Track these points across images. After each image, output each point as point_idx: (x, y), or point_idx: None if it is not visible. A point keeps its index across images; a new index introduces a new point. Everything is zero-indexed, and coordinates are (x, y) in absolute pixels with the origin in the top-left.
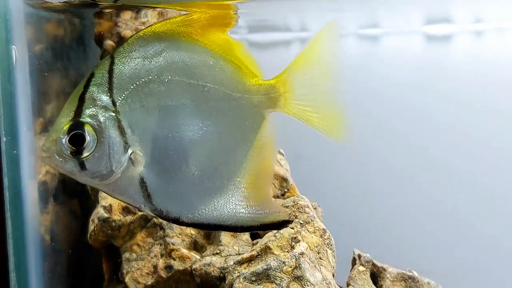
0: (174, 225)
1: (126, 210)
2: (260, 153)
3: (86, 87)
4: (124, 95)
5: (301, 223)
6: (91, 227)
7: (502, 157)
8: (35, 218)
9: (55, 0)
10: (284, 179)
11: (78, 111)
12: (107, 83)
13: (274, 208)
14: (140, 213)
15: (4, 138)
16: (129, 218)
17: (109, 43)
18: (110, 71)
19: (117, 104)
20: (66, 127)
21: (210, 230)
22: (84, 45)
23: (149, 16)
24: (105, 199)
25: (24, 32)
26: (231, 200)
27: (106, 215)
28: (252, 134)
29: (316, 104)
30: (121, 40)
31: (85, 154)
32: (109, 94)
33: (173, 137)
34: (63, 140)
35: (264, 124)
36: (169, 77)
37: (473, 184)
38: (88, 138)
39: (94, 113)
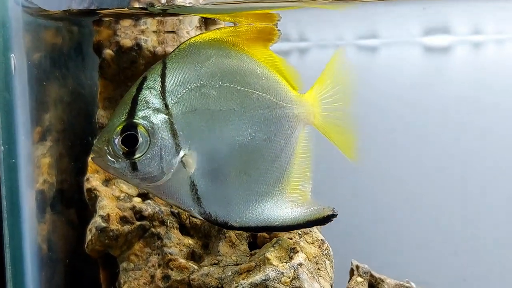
0: (172, 235)
1: (123, 220)
2: (301, 160)
3: (139, 90)
4: (176, 99)
5: (299, 234)
6: (88, 236)
7: (502, 167)
8: (33, 227)
9: (54, 8)
10: None
11: (131, 113)
12: (159, 86)
13: (318, 206)
14: (138, 223)
15: (2, 147)
16: (126, 227)
17: (108, 52)
18: (163, 76)
19: (170, 107)
20: (119, 128)
21: (257, 232)
22: (83, 53)
23: (149, 24)
24: (102, 209)
25: (22, 40)
26: (277, 204)
27: (103, 224)
28: (294, 142)
29: (338, 123)
30: (120, 49)
31: (138, 155)
32: (161, 97)
33: (223, 142)
34: (116, 141)
35: (302, 133)
36: (220, 83)
37: (472, 196)
38: (141, 139)
39: (147, 115)
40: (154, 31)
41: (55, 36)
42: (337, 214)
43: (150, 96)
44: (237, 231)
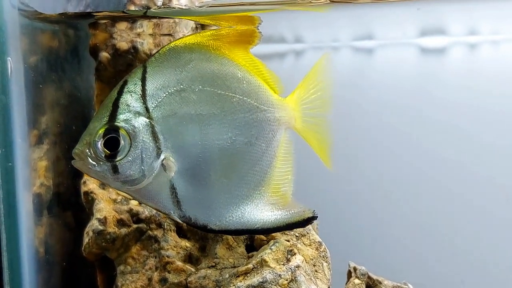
0: (169, 238)
1: (120, 223)
2: (282, 163)
3: (120, 93)
4: (157, 103)
5: (296, 236)
6: (86, 239)
7: (497, 169)
8: (30, 230)
9: (50, 11)
10: None
11: (113, 116)
12: (140, 90)
13: (298, 208)
14: (134, 226)
15: None
16: (124, 230)
17: (104, 55)
18: (143, 79)
19: (150, 110)
20: (101, 131)
21: (237, 235)
22: (79, 56)
23: (145, 27)
24: (99, 212)
25: (19, 44)
26: (257, 207)
27: (100, 227)
28: (275, 145)
29: (317, 128)
30: (116, 52)
31: (119, 158)
32: (142, 101)
33: (204, 145)
34: (98, 144)
35: (284, 136)
36: (200, 87)
37: (470, 198)
38: (122, 142)
39: (128, 118)
40: (150, 34)
41: (51, 39)
42: (317, 216)
43: (131, 99)
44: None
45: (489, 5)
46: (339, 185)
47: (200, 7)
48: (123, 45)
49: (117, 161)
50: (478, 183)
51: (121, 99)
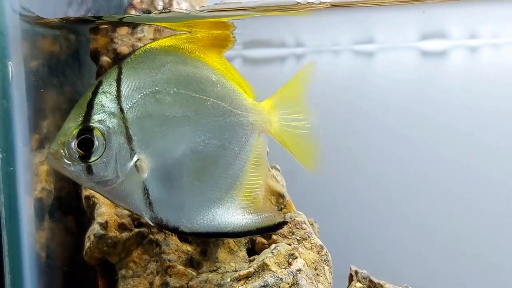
0: (171, 242)
1: (122, 227)
2: (254, 168)
3: (95, 94)
4: (131, 104)
5: (298, 240)
6: (87, 244)
7: (499, 172)
8: (31, 235)
9: (51, 16)
10: (280, 195)
11: (87, 117)
12: (115, 91)
13: (269, 213)
14: (136, 230)
15: (0, 155)
16: (125, 234)
17: (105, 59)
18: (118, 80)
19: (125, 111)
20: (75, 131)
21: (208, 238)
22: (80, 61)
23: (146, 32)
24: (101, 216)
25: (20, 48)
26: (228, 210)
27: (102, 231)
28: (248, 149)
29: (295, 133)
30: (117, 57)
31: (93, 158)
32: (117, 101)
33: (177, 148)
34: (72, 144)
35: (257, 140)
36: (175, 89)
37: (469, 200)
38: (96, 142)
39: (102, 118)
40: (151, 39)
41: (52, 43)
42: (287, 222)
43: (106, 100)
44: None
45: (490, 8)
46: (340, 188)
47: (201, 11)
48: (124, 49)
49: (91, 161)
50: (479, 185)
51: (95, 99)
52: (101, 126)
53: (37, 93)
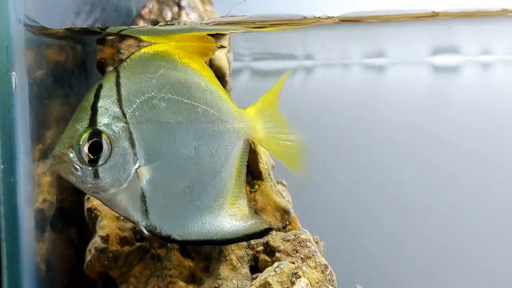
0: (172, 257)
1: (123, 241)
2: (238, 175)
3: (97, 97)
4: (132, 108)
5: (302, 258)
6: (88, 257)
7: (506, 186)
8: (31, 247)
9: (59, 26)
10: (285, 211)
11: (93, 120)
12: (116, 95)
13: (256, 220)
14: (137, 244)
15: (1, 166)
16: (126, 248)
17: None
18: (118, 84)
19: (127, 116)
20: (86, 135)
21: (198, 246)
22: (87, 71)
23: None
24: (102, 229)
25: (24, 59)
26: (217, 218)
27: (103, 245)
28: (234, 157)
29: (277, 138)
30: None
31: (100, 163)
32: (119, 106)
33: (171, 154)
34: (84, 148)
35: (242, 148)
36: (168, 95)
37: (481, 220)
38: (105, 147)
39: (108, 122)
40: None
41: (58, 54)
42: (273, 228)
43: (109, 104)
44: (238, 255)
45: (503, 24)
46: (348, 206)
47: (207, 23)
48: None
49: (99, 166)
50: (492, 206)
51: (99, 102)
52: (107, 130)
53: (41, 104)
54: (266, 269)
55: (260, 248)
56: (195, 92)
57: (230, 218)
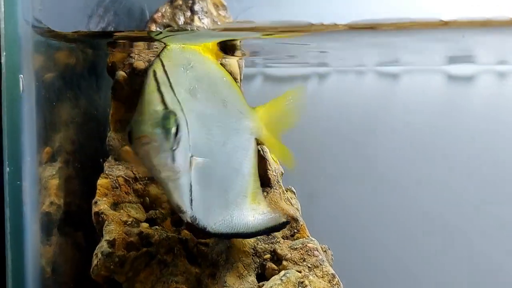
0: (179, 263)
1: (130, 246)
2: (255, 172)
3: (157, 82)
4: (181, 97)
5: (309, 267)
6: (94, 261)
7: None
8: (36, 250)
9: (71, 29)
10: (294, 219)
11: (164, 104)
12: (168, 82)
13: (274, 214)
14: (144, 249)
15: (8, 169)
16: (133, 254)
17: (121, 74)
18: (166, 73)
19: (180, 103)
20: (173, 119)
21: (225, 239)
22: (97, 74)
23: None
24: (109, 233)
25: (32, 61)
26: (242, 212)
27: (109, 249)
28: (251, 153)
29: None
30: (133, 71)
31: (176, 147)
32: (173, 92)
33: (208, 146)
34: (171, 130)
35: (255, 145)
36: (204, 87)
37: (494, 235)
38: (181, 131)
39: (175, 108)
40: None
41: (67, 56)
42: (289, 222)
43: (167, 90)
44: (245, 263)
45: None
46: (358, 215)
47: (213, 29)
48: (140, 64)
49: (175, 149)
50: (506, 218)
51: (161, 87)
52: (177, 114)
53: (49, 106)
54: (273, 277)
55: (267, 256)
56: (222, 88)
57: (253, 212)
